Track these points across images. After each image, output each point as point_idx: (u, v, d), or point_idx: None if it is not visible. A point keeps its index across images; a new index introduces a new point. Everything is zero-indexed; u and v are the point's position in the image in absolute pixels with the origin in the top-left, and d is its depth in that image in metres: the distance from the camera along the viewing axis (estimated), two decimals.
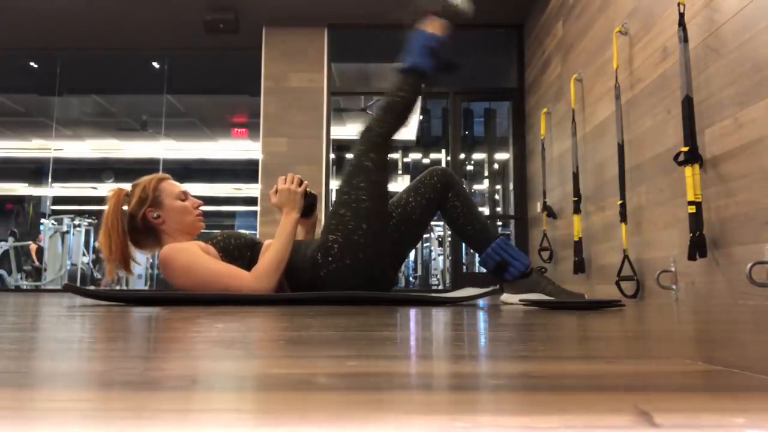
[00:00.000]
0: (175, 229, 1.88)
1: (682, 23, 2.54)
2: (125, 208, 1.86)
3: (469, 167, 7.54)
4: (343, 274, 1.83)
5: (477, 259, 3.31)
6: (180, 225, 1.88)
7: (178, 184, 1.96)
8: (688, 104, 2.46)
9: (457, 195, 1.94)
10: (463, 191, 1.95)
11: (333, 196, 6.58)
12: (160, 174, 1.93)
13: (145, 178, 1.90)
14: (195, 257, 1.76)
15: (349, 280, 1.82)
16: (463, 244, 5.65)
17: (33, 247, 8.09)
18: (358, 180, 1.87)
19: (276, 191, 1.93)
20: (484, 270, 1.96)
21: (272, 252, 1.80)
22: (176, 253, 1.76)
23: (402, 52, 1.97)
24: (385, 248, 1.89)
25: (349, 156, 1.96)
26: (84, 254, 7.73)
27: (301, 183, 1.94)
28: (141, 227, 1.86)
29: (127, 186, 1.91)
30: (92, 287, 1.85)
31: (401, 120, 1.95)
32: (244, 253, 1.91)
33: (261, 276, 1.76)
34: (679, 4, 2.55)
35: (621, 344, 0.63)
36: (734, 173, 2.27)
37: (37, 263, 7.89)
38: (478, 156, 7.79)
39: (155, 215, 1.85)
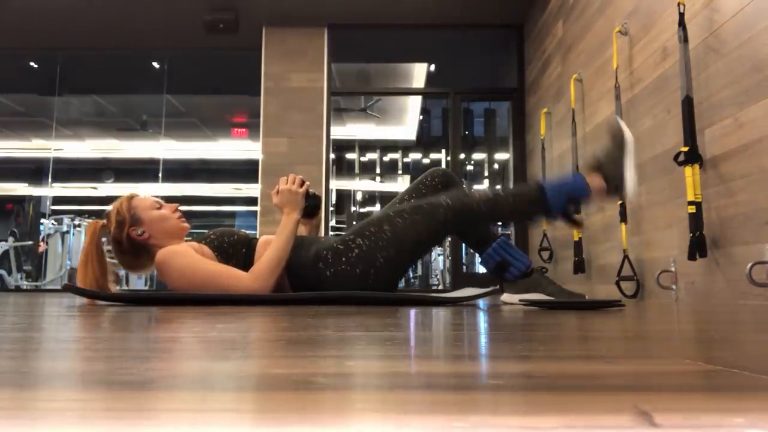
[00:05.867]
0: (163, 237, 1.87)
1: (682, 23, 2.54)
2: (111, 234, 1.84)
3: (469, 167, 7.55)
4: (348, 279, 1.81)
5: (477, 259, 3.31)
6: (165, 232, 1.88)
7: (148, 196, 1.95)
8: (688, 104, 2.46)
9: None
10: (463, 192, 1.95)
11: (334, 196, 6.58)
12: (128, 194, 1.93)
13: (115, 203, 1.89)
14: (190, 259, 1.75)
15: (352, 286, 1.82)
16: (464, 244, 5.65)
17: (40, 248, 8.04)
18: (425, 220, 1.79)
19: (278, 191, 1.93)
20: (484, 270, 1.95)
21: (271, 252, 1.80)
22: (171, 257, 1.76)
23: (555, 180, 1.82)
24: (393, 271, 1.86)
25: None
26: None
27: (302, 184, 1.94)
28: (129, 249, 1.86)
29: (125, 186, 1.90)
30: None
31: (491, 219, 1.86)
32: (238, 250, 1.90)
33: (259, 276, 1.76)
34: (679, 4, 2.55)
35: (621, 344, 0.63)
36: (734, 173, 2.26)
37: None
38: (478, 156, 7.80)
39: (139, 232, 1.85)
